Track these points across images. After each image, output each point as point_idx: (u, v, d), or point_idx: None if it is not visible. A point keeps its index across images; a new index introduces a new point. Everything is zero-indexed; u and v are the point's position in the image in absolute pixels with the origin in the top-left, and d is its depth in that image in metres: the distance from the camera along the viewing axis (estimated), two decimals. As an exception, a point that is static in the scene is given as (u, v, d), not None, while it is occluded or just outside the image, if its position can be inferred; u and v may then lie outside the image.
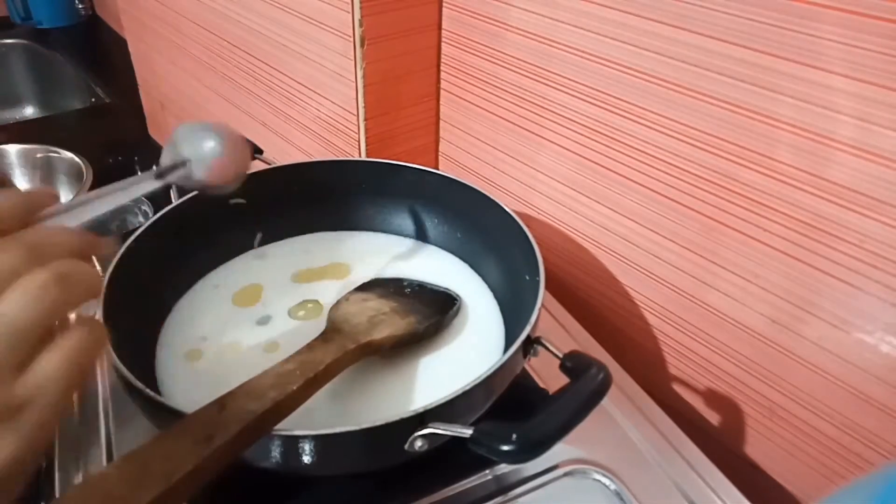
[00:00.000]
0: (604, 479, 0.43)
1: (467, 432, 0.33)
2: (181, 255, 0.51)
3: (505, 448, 0.31)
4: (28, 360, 0.22)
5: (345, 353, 0.39)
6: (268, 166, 0.55)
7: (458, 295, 0.50)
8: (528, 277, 0.48)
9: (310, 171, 0.57)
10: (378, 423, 0.33)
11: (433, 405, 0.34)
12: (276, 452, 0.34)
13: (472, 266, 0.55)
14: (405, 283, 0.50)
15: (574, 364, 0.38)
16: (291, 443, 0.33)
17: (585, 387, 0.35)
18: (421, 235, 0.58)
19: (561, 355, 0.39)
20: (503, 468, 0.43)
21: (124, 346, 0.37)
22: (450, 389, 0.35)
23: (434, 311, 0.47)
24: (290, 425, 0.33)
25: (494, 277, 0.53)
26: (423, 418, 0.34)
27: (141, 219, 0.72)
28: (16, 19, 1.50)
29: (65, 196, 0.78)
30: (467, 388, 0.35)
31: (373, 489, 0.42)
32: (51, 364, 0.22)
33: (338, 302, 0.46)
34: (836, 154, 0.38)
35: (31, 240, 0.24)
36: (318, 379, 0.36)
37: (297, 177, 0.57)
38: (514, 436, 0.31)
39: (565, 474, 0.43)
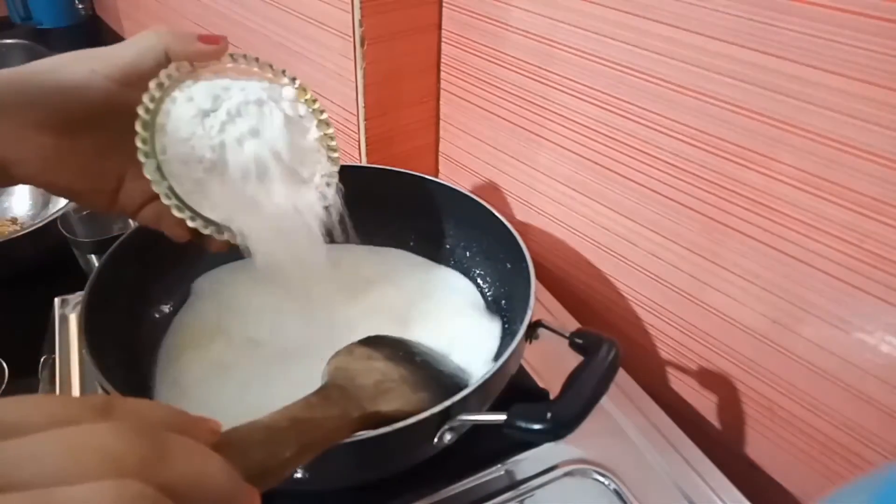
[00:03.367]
0: (604, 479, 0.43)
1: (501, 417, 0.34)
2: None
3: (540, 427, 0.32)
4: None
5: (348, 420, 0.33)
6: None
7: (469, 377, 0.45)
8: (509, 266, 0.50)
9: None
10: (410, 421, 0.34)
11: (458, 397, 0.35)
12: (307, 464, 0.34)
13: (463, 274, 0.56)
14: (415, 350, 0.45)
15: (585, 341, 0.39)
16: (323, 453, 0.33)
17: (601, 361, 0.36)
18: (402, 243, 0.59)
19: (567, 334, 0.40)
20: (503, 468, 0.43)
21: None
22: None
23: (444, 392, 0.39)
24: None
25: (485, 278, 0.53)
26: (449, 411, 0.35)
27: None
28: (16, 19, 1.50)
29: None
30: (487, 376, 0.36)
31: (375, 489, 0.42)
32: None
33: (339, 354, 0.41)
34: (835, 154, 0.38)
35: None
36: (313, 446, 0.30)
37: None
38: (549, 414, 0.32)
39: (565, 474, 0.43)
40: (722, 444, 0.52)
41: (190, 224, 0.37)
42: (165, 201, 0.36)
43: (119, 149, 0.36)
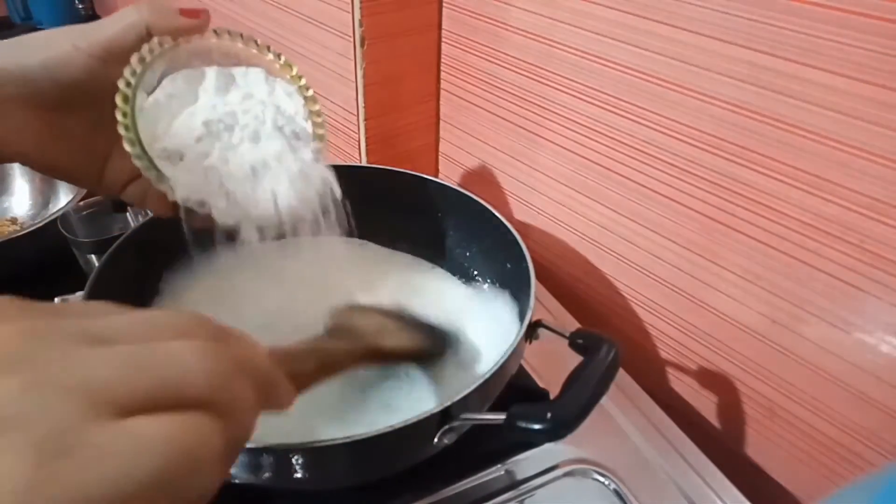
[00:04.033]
0: (604, 479, 0.43)
1: (501, 417, 0.34)
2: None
3: (540, 427, 0.32)
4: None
5: (356, 351, 0.37)
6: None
7: (457, 332, 0.48)
8: (509, 266, 0.49)
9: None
10: (409, 421, 0.34)
11: (458, 397, 0.35)
12: (306, 463, 0.34)
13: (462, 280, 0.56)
14: (405, 314, 0.46)
15: (585, 341, 0.39)
16: (322, 453, 0.33)
17: (601, 361, 0.36)
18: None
19: (567, 334, 0.40)
20: (503, 468, 0.43)
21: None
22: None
23: (440, 339, 0.46)
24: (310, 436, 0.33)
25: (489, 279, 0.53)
26: (449, 411, 0.35)
27: (140, 218, 0.72)
28: (16, 19, 1.50)
29: (65, 196, 0.78)
30: (487, 376, 0.36)
31: (375, 489, 0.42)
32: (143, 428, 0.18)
33: (337, 310, 0.44)
34: (836, 154, 0.38)
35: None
36: (327, 368, 0.34)
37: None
38: (549, 414, 0.32)
39: (565, 474, 0.43)
40: (722, 444, 0.52)
41: (170, 196, 0.37)
42: (145, 173, 0.36)
43: (105, 127, 0.36)
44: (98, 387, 0.17)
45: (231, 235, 0.39)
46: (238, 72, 0.40)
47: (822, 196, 0.39)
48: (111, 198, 0.43)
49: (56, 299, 0.56)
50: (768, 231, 0.43)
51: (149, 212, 0.59)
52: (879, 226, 0.37)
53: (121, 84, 0.35)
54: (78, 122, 0.36)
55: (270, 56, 0.40)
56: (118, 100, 0.35)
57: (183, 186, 0.37)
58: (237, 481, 0.35)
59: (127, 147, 0.35)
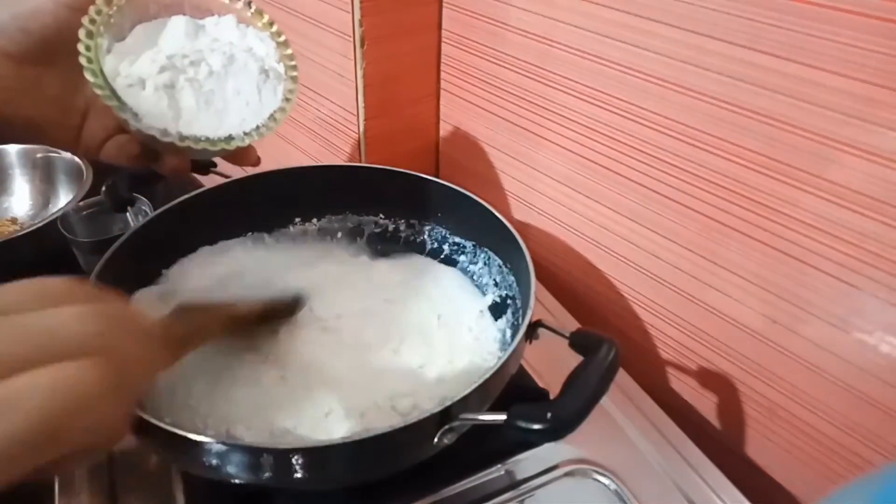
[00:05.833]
0: (604, 479, 0.43)
1: (501, 417, 0.34)
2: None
3: (540, 427, 0.32)
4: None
5: (217, 315, 0.39)
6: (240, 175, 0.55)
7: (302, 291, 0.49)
8: (509, 266, 0.49)
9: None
10: (410, 421, 0.34)
11: (458, 397, 0.35)
12: (306, 463, 0.34)
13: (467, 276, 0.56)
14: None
15: (585, 341, 0.39)
16: (322, 453, 0.33)
17: (601, 361, 0.36)
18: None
19: (567, 334, 0.40)
20: (503, 468, 0.43)
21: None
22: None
23: (289, 299, 0.48)
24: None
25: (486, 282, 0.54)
26: (450, 411, 0.35)
27: (140, 218, 0.72)
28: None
29: (65, 197, 0.78)
30: (487, 376, 0.36)
31: (376, 489, 0.42)
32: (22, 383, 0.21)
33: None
34: (835, 154, 0.38)
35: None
36: (196, 334, 0.36)
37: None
38: (549, 414, 0.32)
39: (566, 474, 0.43)
40: (722, 444, 0.52)
41: (133, 124, 0.37)
42: (107, 102, 0.36)
43: (83, 85, 0.37)
44: None
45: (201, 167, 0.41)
46: (209, 21, 0.41)
47: (823, 196, 0.39)
48: (89, 158, 0.45)
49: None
50: (768, 231, 0.43)
51: (147, 210, 0.59)
52: (880, 226, 0.37)
53: (84, 20, 0.36)
54: (54, 79, 0.37)
55: (241, 5, 0.42)
56: (81, 34, 0.36)
57: (145, 114, 0.37)
58: (237, 481, 0.35)
59: (88, 77, 0.36)
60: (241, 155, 0.43)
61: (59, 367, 0.21)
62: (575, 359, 0.37)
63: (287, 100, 0.42)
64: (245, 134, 0.40)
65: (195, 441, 0.32)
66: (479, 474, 0.43)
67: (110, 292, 0.27)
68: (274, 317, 0.46)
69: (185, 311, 0.37)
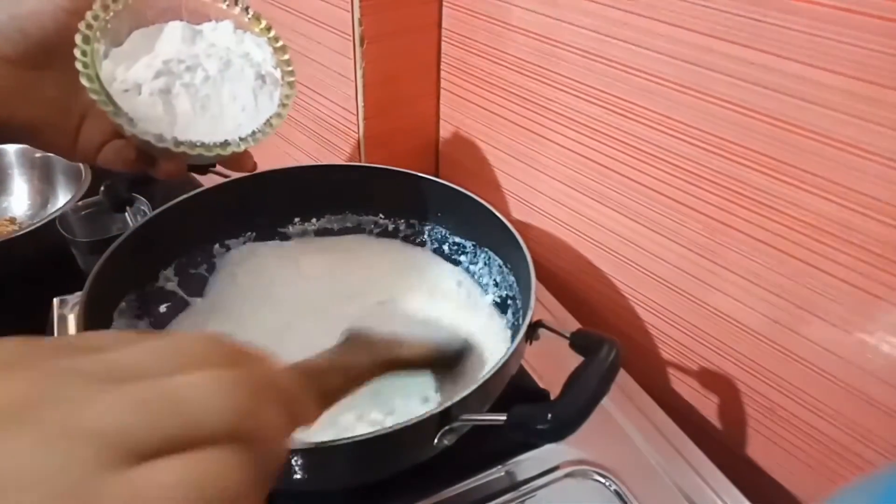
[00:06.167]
0: (605, 480, 0.43)
1: (501, 418, 0.34)
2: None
3: (541, 428, 0.32)
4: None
5: (375, 363, 0.35)
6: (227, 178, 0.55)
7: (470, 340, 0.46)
8: (509, 266, 0.49)
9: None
10: (410, 421, 0.33)
11: (459, 398, 0.35)
12: (306, 464, 0.34)
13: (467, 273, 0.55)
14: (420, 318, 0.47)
15: (585, 342, 0.39)
16: (322, 453, 0.33)
17: (602, 361, 0.36)
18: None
19: (567, 334, 0.40)
20: (504, 469, 0.43)
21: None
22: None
23: (455, 348, 0.44)
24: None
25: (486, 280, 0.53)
26: (450, 412, 0.35)
27: (139, 218, 0.72)
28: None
29: (64, 196, 0.78)
30: (487, 377, 0.36)
31: (376, 489, 0.42)
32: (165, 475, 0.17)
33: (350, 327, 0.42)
34: (837, 154, 0.38)
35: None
36: (350, 382, 0.32)
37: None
38: (550, 415, 0.32)
39: (566, 475, 0.43)
40: (723, 444, 0.52)
41: (128, 130, 0.37)
42: (102, 107, 0.36)
43: (80, 90, 0.37)
44: (113, 433, 0.17)
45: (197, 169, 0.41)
46: (207, 26, 0.41)
47: (824, 196, 0.39)
48: (86, 162, 0.45)
49: (55, 299, 0.56)
50: (770, 231, 0.43)
51: (146, 210, 0.59)
52: (881, 226, 0.37)
53: (81, 25, 0.36)
54: (51, 82, 0.37)
55: (238, 10, 0.42)
56: (77, 39, 0.36)
57: (140, 120, 0.37)
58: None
59: (84, 82, 0.36)
60: (237, 161, 0.43)
61: (202, 458, 0.18)
62: (575, 359, 0.37)
63: (283, 105, 0.42)
64: (241, 139, 0.40)
65: None
66: (480, 475, 0.43)
67: (253, 351, 0.22)
68: (437, 365, 0.43)
69: (345, 350, 0.35)
